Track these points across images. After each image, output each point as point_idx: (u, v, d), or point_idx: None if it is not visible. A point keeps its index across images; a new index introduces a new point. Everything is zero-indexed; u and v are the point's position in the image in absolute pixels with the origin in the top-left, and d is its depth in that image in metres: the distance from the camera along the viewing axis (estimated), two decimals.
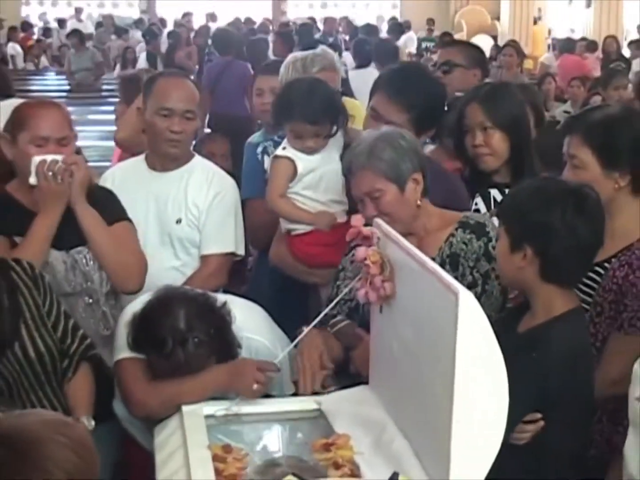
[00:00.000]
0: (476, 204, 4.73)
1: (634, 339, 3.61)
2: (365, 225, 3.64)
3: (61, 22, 27.91)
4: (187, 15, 25.84)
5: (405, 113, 4.59)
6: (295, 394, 4.07)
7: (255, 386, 3.78)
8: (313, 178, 4.77)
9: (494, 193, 4.68)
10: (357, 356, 3.98)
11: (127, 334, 3.89)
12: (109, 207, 4.48)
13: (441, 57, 6.82)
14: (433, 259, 3.75)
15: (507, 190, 4.54)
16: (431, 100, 4.79)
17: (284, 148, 4.77)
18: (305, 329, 3.85)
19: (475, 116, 4.70)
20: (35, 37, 26.36)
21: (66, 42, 23.01)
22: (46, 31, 27.34)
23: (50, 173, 4.14)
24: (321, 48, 6.05)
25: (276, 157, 4.78)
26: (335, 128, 4.81)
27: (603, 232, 3.56)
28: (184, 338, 3.76)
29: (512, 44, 13.93)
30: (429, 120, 4.74)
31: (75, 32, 20.90)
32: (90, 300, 4.35)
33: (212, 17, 27.12)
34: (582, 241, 3.45)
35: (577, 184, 3.63)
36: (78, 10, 29.64)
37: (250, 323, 4.17)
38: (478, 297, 3.24)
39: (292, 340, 4.00)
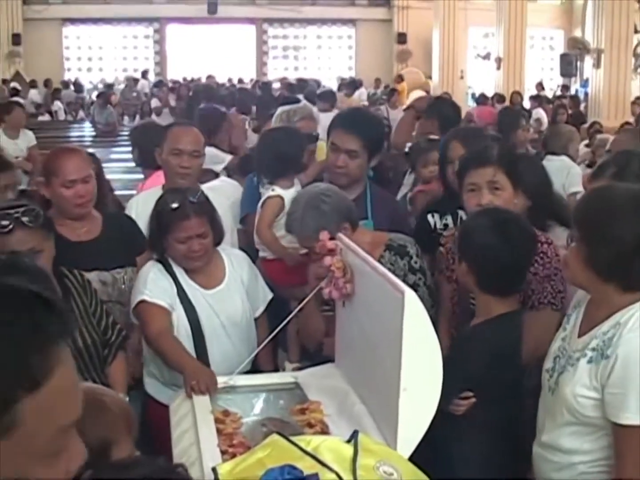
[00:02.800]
0: (446, 219, 4.73)
1: (544, 312, 3.67)
2: (330, 239, 3.65)
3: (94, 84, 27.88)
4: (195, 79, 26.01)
5: (359, 141, 4.56)
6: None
7: (193, 391, 3.58)
8: None
9: (461, 213, 4.66)
10: (327, 344, 3.98)
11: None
12: (133, 240, 4.48)
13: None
14: None
15: None
16: (376, 130, 4.84)
17: (272, 190, 4.75)
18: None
19: (457, 150, 4.71)
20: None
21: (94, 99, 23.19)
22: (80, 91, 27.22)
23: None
24: (303, 102, 6.09)
25: (268, 197, 4.74)
26: None
27: (527, 251, 3.56)
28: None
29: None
30: (377, 145, 4.73)
31: (102, 94, 20.91)
32: (124, 309, 4.31)
33: (209, 77, 27.04)
34: (503, 260, 3.44)
35: (507, 214, 3.61)
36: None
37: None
38: None
39: None
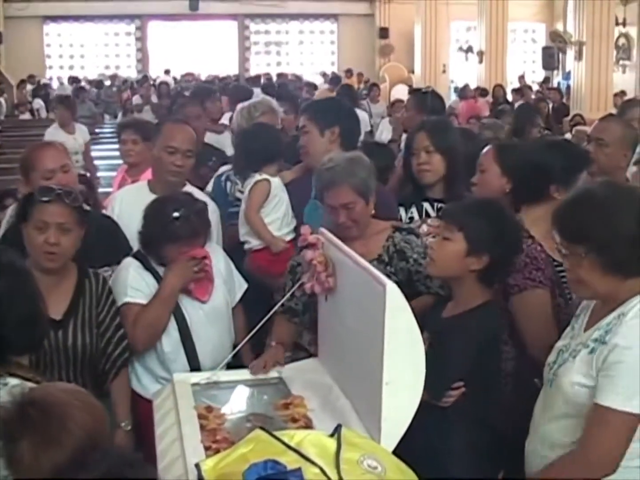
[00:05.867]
0: (412, 212, 4.70)
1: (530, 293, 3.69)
2: (311, 233, 3.65)
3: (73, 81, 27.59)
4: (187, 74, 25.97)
5: (307, 117, 4.78)
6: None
7: (195, 269, 4.03)
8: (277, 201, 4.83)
9: (426, 205, 4.66)
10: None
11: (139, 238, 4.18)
12: (116, 240, 4.48)
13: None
14: (380, 255, 3.93)
15: (436, 205, 4.63)
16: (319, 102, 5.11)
17: (260, 174, 4.80)
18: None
19: (422, 142, 4.70)
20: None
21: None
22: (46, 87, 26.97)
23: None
24: (262, 97, 6.06)
25: (256, 182, 4.78)
26: None
27: (519, 244, 3.59)
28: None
29: None
30: (326, 117, 4.78)
31: (80, 89, 20.76)
32: None
33: (188, 74, 26.90)
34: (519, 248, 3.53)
35: (498, 205, 3.63)
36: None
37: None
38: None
39: None
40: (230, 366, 4.00)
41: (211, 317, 4.18)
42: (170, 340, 4.10)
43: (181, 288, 4.08)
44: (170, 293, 4.05)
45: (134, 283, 4.09)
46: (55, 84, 27.44)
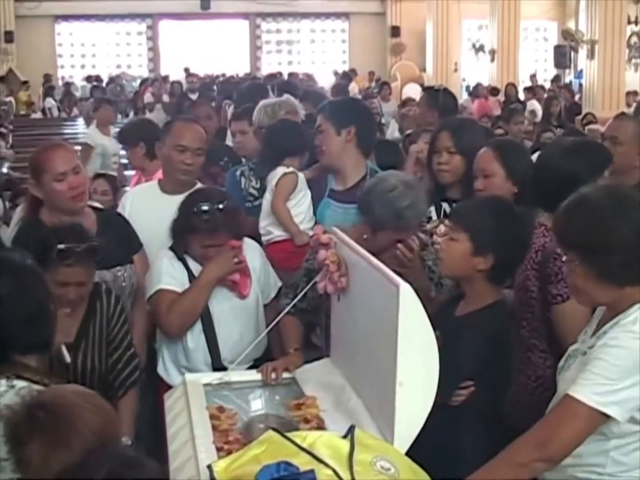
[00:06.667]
0: (430, 212, 4.66)
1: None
2: (324, 233, 3.64)
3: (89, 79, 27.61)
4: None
5: (323, 116, 4.72)
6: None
7: (235, 260, 4.12)
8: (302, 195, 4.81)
9: (445, 206, 4.65)
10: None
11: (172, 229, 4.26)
12: (129, 239, 4.50)
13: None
14: None
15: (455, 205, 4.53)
16: (337, 103, 5.03)
17: (287, 167, 4.79)
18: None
19: (445, 141, 4.66)
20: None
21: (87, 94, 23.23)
22: (68, 87, 27.04)
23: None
24: (286, 96, 6.04)
25: (284, 174, 4.76)
26: None
27: (528, 241, 3.56)
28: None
29: None
30: (343, 118, 4.72)
31: (97, 88, 20.83)
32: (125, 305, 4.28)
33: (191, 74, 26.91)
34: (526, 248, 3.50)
35: (508, 204, 3.63)
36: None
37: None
38: None
39: None
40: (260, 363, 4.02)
41: (236, 312, 4.24)
42: (193, 332, 4.18)
43: (219, 278, 4.16)
44: (207, 282, 4.14)
45: (168, 271, 4.21)
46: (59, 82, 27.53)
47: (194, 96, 13.43)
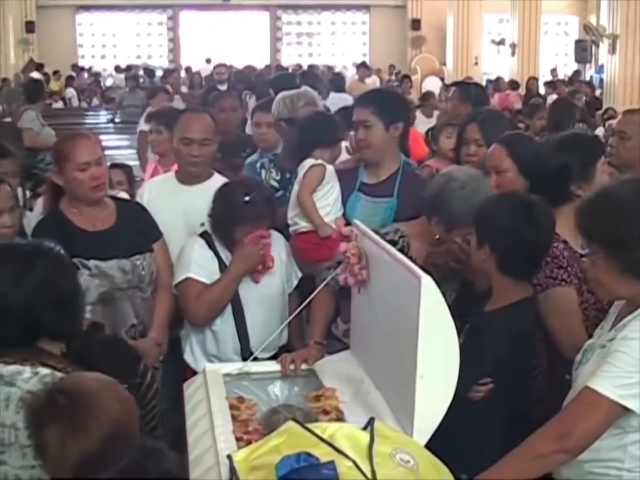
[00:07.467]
0: None
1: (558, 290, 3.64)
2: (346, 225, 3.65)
3: (117, 69, 27.62)
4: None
5: (369, 110, 4.57)
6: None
7: (261, 252, 4.23)
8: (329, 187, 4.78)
9: None
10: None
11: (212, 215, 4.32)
12: (148, 227, 4.50)
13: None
14: None
15: None
16: (386, 96, 4.89)
17: (316, 159, 4.71)
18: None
19: (473, 133, 4.67)
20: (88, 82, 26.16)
21: (118, 84, 23.34)
22: (97, 76, 27.09)
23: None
24: (304, 88, 6.02)
25: (313, 165, 4.70)
26: None
27: (549, 236, 3.52)
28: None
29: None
30: (391, 111, 4.61)
31: (133, 78, 20.81)
32: (144, 295, 4.35)
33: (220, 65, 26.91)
34: (528, 243, 3.40)
35: (531, 197, 3.54)
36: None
37: None
38: None
39: None
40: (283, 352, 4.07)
41: (265, 300, 4.33)
42: (223, 319, 4.26)
43: (247, 271, 4.25)
44: (236, 275, 4.24)
45: (198, 260, 4.29)
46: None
47: (222, 87, 13.35)
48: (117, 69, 27.02)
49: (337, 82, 13.93)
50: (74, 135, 4.43)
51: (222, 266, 4.28)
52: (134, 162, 11.26)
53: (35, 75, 21.73)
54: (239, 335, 4.26)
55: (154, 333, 4.32)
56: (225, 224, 4.26)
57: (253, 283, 4.30)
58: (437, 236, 3.81)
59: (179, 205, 4.80)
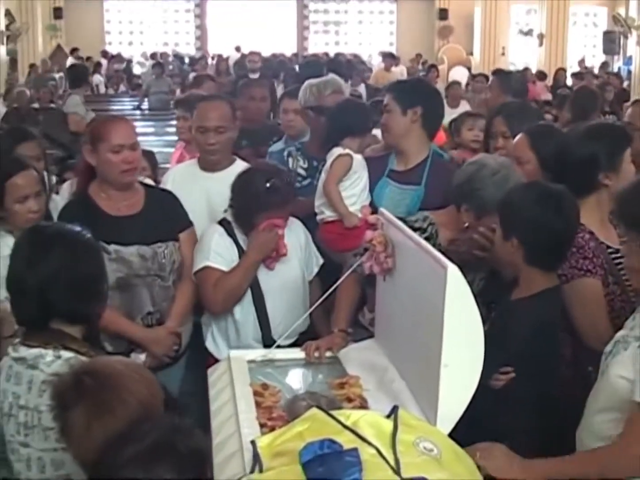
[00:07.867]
0: None
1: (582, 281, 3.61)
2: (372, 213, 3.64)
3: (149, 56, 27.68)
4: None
5: (389, 95, 4.66)
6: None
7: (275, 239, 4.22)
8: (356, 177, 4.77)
9: None
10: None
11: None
12: (176, 216, 4.50)
13: None
14: None
15: None
16: (405, 83, 5.09)
17: (344, 148, 4.71)
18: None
19: (499, 126, 4.70)
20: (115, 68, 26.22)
21: (144, 70, 23.43)
22: (129, 63, 27.14)
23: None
24: (331, 75, 6.02)
25: (340, 155, 4.70)
26: None
27: (575, 226, 3.50)
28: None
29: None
30: (410, 96, 4.63)
31: (158, 64, 20.86)
32: (164, 283, 4.34)
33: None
34: (556, 234, 3.38)
35: (556, 187, 3.51)
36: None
37: None
38: None
39: None
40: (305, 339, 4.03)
41: (285, 287, 4.33)
42: (243, 307, 4.27)
43: (263, 258, 4.25)
44: (253, 263, 4.25)
45: (217, 248, 4.29)
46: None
47: (254, 76, 13.32)
48: (149, 56, 27.00)
49: None
50: (112, 117, 4.51)
51: (241, 254, 4.28)
52: (157, 150, 11.35)
53: (71, 60, 21.88)
54: (260, 323, 4.27)
55: (170, 322, 4.33)
56: (248, 212, 4.26)
57: (272, 271, 4.31)
58: (466, 224, 3.79)
59: (201, 191, 4.81)
